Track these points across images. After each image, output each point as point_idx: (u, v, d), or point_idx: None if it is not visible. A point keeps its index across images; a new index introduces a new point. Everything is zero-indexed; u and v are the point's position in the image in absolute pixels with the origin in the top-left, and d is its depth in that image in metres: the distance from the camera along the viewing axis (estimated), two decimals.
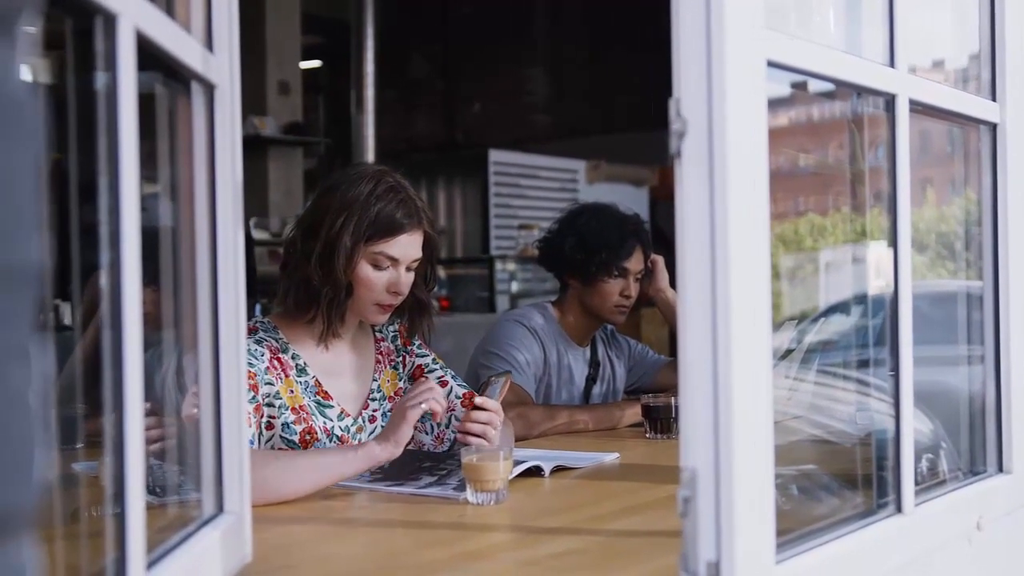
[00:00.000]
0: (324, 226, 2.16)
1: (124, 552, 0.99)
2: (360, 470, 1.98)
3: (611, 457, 2.34)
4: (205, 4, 1.34)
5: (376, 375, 2.35)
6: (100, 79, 1.00)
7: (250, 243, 3.88)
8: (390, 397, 2.35)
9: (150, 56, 1.09)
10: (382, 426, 2.28)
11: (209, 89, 1.33)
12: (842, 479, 1.65)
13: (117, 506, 1.00)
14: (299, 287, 2.20)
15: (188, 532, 1.26)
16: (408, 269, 2.22)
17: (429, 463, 2.11)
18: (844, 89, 1.57)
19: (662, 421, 2.63)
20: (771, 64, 1.23)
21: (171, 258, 1.35)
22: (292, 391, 2.18)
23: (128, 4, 1.00)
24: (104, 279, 0.99)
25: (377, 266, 2.19)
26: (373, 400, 2.33)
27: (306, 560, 1.56)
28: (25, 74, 0.57)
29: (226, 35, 1.37)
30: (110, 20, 0.98)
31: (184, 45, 1.21)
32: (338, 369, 2.29)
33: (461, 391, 2.37)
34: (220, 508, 1.36)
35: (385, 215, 2.16)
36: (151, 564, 1.07)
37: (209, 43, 1.34)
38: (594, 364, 3.12)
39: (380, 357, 2.37)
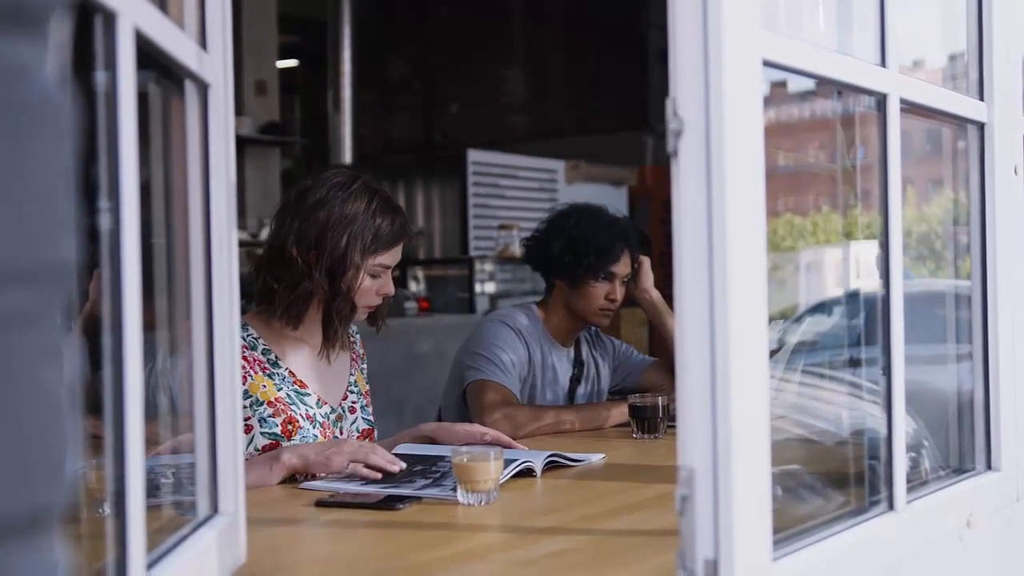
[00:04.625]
0: (327, 242, 2.20)
1: (125, 553, 0.98)
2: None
3: (598, 458, 2.34)
4: (199, 2, 1.33)
5: (352, 370, 2.42)
6: (99, 77, 0.99)
7: None
8: (365, 392, 2.43)
9: (145, 54, 1.08)
10: (362, 418, 2.39)
11: (203, 88, 1.33)
12: (834, 477, 1.66)
13: (111, 507, 1.00)
14: (301, 301, 2.24)
15: (184, 533, 1.25)
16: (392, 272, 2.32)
17: (421, 466, 2.10)
18: (825, 88, 1.57)
19: (649, 421, 2.63)
20: (767, 64, 1.23)
21: (163, 258, 1.34)
22: (265, 386, 2.20)
23: (127, 3, 0.99)
24: (104, 279, 0.98)
25: (374, 275, 2.27)
26: (352, 392, 2.39)
27: (299, 561, 1.56)
28: (57, 72, 0.56)
29: (220, 34, 1.36)
30: (110, 18, 0.97)
31: (180, 44, 1.21)
32: (314, 363, 2.33)
33: (363, 426, 2.43)
34: (215, 509, 1.35)
35: (386, 229, 2.25)
36: (150, 565, 1.06)
37: (203, 42, 1.33)
38: (578, 364, 3.11)
39: (354, 355, 2.45)
